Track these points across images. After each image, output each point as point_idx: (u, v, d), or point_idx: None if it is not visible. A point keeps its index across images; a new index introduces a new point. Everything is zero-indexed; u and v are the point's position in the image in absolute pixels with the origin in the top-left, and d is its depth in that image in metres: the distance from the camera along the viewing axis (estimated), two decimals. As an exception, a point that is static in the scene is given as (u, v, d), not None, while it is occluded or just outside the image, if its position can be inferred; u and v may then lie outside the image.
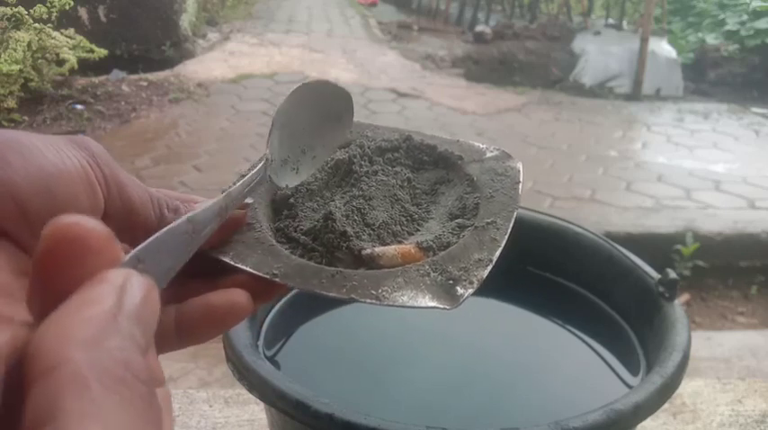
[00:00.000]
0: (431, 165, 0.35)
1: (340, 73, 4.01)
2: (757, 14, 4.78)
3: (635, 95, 4.04)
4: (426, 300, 0.26)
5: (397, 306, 0.26)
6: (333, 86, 0.33)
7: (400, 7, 7.72)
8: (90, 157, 0.23)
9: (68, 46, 2.91)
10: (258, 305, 0.27)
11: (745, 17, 4.89)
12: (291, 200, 0.33)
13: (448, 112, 3.47)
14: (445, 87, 3.99)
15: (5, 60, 2.62)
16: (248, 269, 0.28)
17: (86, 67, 3.16)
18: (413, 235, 0.31)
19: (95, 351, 0.14)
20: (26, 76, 2.85)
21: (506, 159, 0.34)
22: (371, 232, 0.30)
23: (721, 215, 2.30)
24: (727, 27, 4.94)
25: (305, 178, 0.33)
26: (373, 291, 0.26)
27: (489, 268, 0.28)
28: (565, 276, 0.62)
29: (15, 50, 2.64)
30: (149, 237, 0.22)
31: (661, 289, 0.52)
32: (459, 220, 0.31)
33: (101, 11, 3.71)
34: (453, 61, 4.64)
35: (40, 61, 2.89)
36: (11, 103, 2.74)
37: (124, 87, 3.43)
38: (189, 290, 0.26)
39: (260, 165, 0.30)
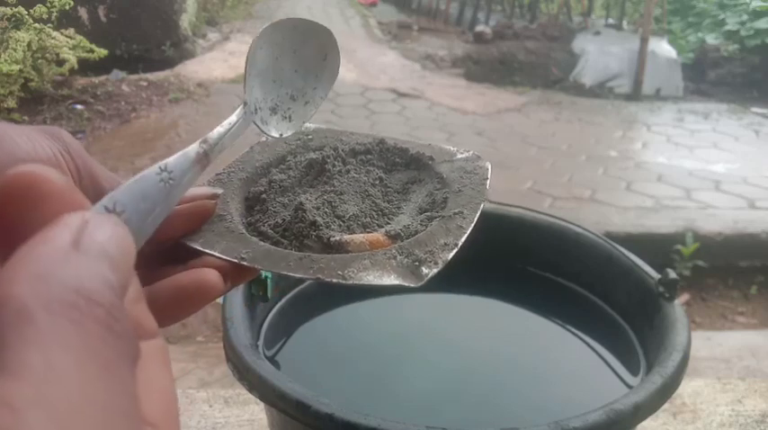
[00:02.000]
0: (403, 167, 0.36)
1: (340, 72, 4.01)
2: (757, 14, 4.78)
3: (635, 95, 4.04)
4: (392, 279, 0.27)
5: (362, 284, 0.26)
6: (308, 23, 0.32)
7: (400, 7, 7.72)
8: (62, 147, 0.23)
9: (68, 46, 2.91)
10: (228, 287, 0.28)
11: (745, 17, 4.88)
12: (263, 196, 0.33)
13: (448, 112, 3.46)
14: (445, 87, 3.99)
15: (5, 60, 2.61)
16: (216, 254, 0.28)
17: (86, 67, 3.16)
18: (382, 227, 0.31)
19: (42, 282, 0.14)
20: (26, 76, 2.85)
21: (476, 160, 0.35)
22: (341, 223, 0.31)
23: (721, 215, 2.30)
24: (727, 27, 4.93)
25: (300, 126, 0.33)
26: (339, 272, 0.27)
27: (454, 251, 0.28)
28: (565, 276, 0.62)
29: (15, 50, 2.63)
30: None
31: (661, 289, 0.52)
32: (428, 213, 0.32)
33: (101, 11, 3.71)
34: (453, 61, 4.64)
35: (40, 61, 2.89)
36: (11, 103, 2.74)
37: (124, 87, 3.43)
38: (159, 274, 0.26)
39: (238, 111, 0.30)
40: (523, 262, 0.64)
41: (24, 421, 0.12)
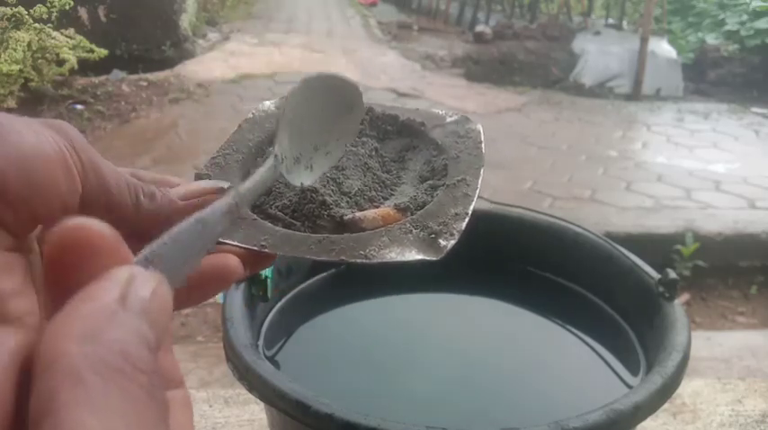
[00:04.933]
0: (395, 135, 0.37)
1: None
2: (757, 14, 4.78)
3: (635, 95, 4.04)
4: (413, 254, 0.27)
5: (386, 262, 0.27)
6: (339, 79, 0.33)
7: (400, 7, 7.72)
8: (67, 141, 0.23)
9: (68, 46, 2.91)
10: (248, 273, 0.28)
11: (745, 17, 4.88)
12: None
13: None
14: (445, 87, 3.99)
15: (5, 60, 2.61)
16: (236, 243, 0.28)
17: (86, 67, 3.16)
18: (388, 199, 0.32)
19: (92, 344, 0.14)
20: (26, 76, 2.85)
21: (466, 122, 0.35)
22: (349, 200, 0.31)
23: (721, 215, 2.30)
24: (727, 27, 4.93)
25: (320, 175, 0.33)
26: (362, 252, 0.27)
27: (466, 220, 0.29)
28: (565, 276, 0.62)
29: (15, 50, 2.63)
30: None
31: (661, 289, 0.52)
32: (430, 182, 0.32)
33: (101, 11, 3.71)
34: (453, 61, 4.64)
35: (40, 61, 2.89)
36: (11, 102, 2.74)
37: (124, 87, 3.42)
38: None
39: (269, 163, 0.30)
40: (523, 262, 0.64)
41: None
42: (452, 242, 0.27)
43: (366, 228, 0.29)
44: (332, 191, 0.31)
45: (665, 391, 0.42)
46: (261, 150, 0.35)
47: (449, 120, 0.35)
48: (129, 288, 0.16)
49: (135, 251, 0.19)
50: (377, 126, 0.37)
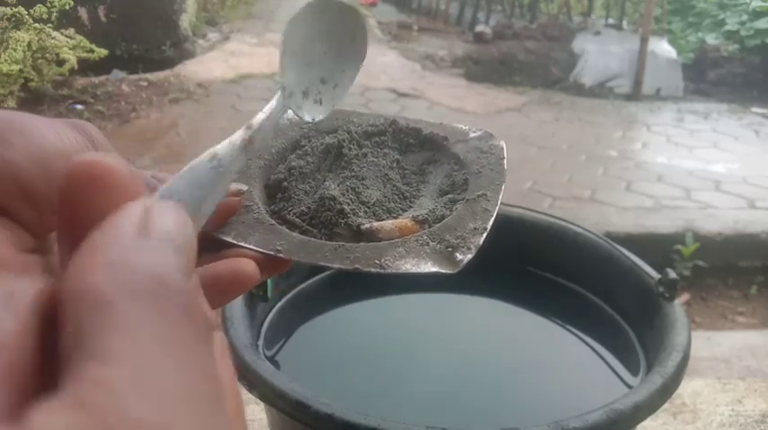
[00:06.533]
0: (417, 148, 0.36)
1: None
2: (757, 14, 4.78)
3: (635, 95, 4.03)
4: (429, 266, 0.27)
5: (401, 273, 0.27)
6: (338, 4, 0.32)
7: (400, 7, 7.71)
8: (89, 141, 0.23)
9: (68, 46, 2.91)
10: (264, 277, 0.28)
11: (745, 17, 4.88)
12: (285, 183, 0.33)
13: (448, 112, 3.46)
14: (445, 87, 3.99)
15: (5, 60, 2.61)
16: (251, 247, 0.28)
17: (86, 67, 3.16)
18: (406, 211, 0.32)
19: (118, 270, 0.13)
20: (26, 76, 2.85)
21: (489, 138, 0.35)
22: (367, 209, 0.31)
23: (721, 215, 2.30)
24: (727, 27, 4.93)
25: (330, 109, 0.33)
26: (376, 261, 0.27)
27: (485, 235, 0.29)
28: (565, 276, 0.62)
29: (15, 50, 2.63)
30: None
31: (661, 289, 0.52)
32: (450, 196, 0.32)
33: (101, 11, 3.71)
34: (453, 61, 4.63)
35: (40, 61, 2.89)
36: (11, 103, 2.74)
37: (124, 87, 3.42)
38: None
39: (277, 95, 0.29)
40: (523, 262, 0.64)
41: (124, 403, 0.12)
42: (469, 256, 0.27)
43: (382, 239, 0.29)
44: (350, 200, 0.31)
45: (665, 391, 0.42)
46: (283, 157, 0.35)
47: (472, 135, 0.35)
48: (149, 218, 0.15)
49: None
50: (399, 139, 0.36)
